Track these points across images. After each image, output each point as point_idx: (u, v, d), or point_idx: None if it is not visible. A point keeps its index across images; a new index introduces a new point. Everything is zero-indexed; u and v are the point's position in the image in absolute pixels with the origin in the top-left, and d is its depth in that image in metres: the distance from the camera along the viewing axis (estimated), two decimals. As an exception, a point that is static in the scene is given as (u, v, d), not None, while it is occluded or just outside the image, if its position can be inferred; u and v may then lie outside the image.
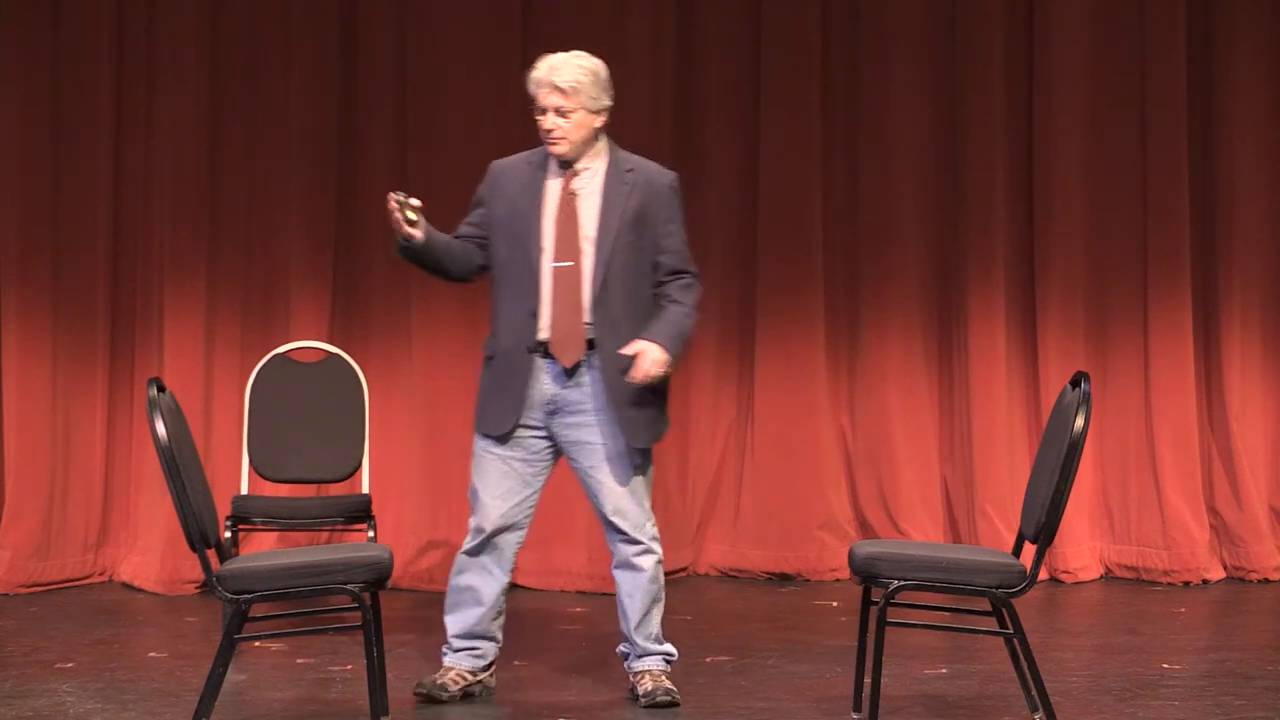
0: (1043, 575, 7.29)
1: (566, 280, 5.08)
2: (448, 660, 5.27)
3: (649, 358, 5.05)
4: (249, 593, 4.66)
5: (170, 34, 7.36)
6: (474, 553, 5.22)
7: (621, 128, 7.48)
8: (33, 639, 6.22)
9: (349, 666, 5.67)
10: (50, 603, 6.98)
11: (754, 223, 7.73)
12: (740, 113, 7.70)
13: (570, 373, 5.11)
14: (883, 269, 7.73)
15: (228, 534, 6.19)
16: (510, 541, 5.25)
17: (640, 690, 5.21)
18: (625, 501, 5.18)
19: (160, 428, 4.57)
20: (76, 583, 7.33)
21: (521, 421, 5.14)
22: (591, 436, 5.15)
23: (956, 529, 7.72)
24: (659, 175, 5.26)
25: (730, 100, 7.73)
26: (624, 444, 5.14)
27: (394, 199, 5.01)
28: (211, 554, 4.75)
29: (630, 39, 7.50)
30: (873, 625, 4.83)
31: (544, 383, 5.12)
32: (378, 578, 4.77)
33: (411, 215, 5.01)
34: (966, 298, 7.66)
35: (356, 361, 6.86)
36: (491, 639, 5.28)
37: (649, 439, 5.21)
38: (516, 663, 5.88)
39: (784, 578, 7.60)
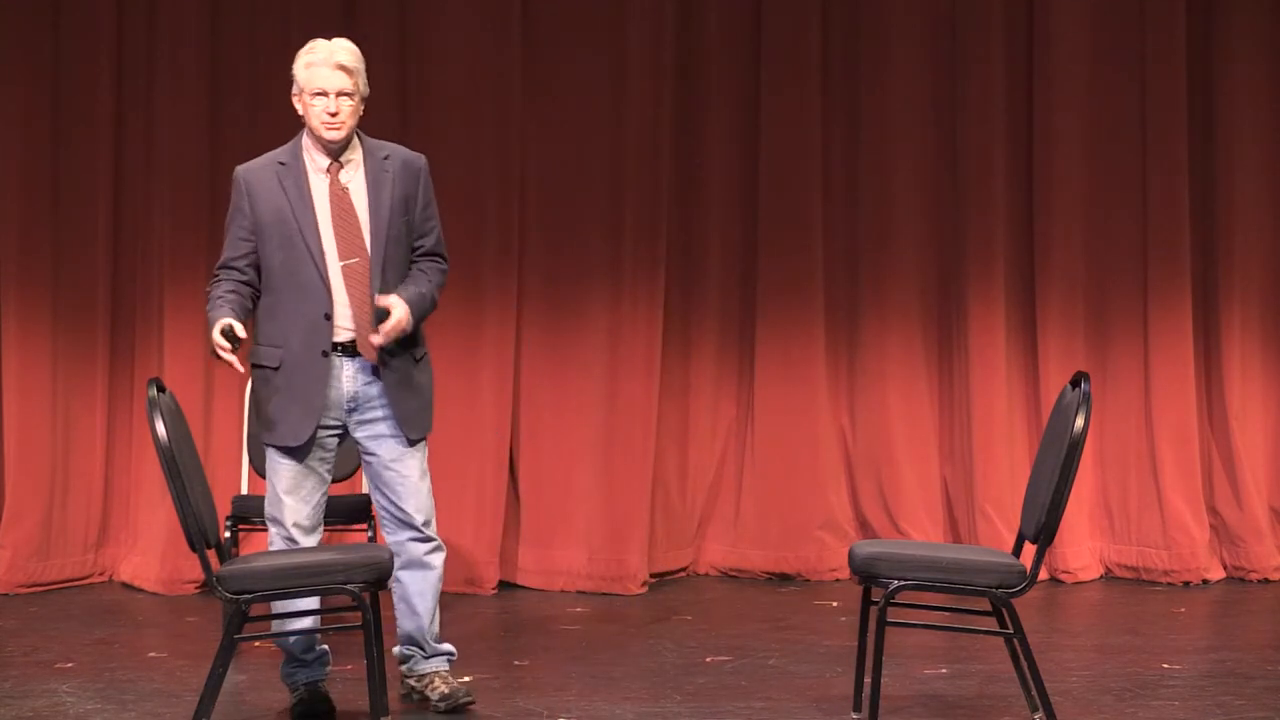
0: (1043, 575, 7.29)
1: (356, 277, 5.02)
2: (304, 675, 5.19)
3: (399, 318, 4.96)
4: (249, 593, 4.66)
5: (170, 34, 7.36)
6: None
7: (621, 127, 7.56)
8: (33, 639, 6.22)
9: (349, 666, 5.67)
10: (50, 603, 6.97)
11: (754, 222, 7.73)
12: (740, 113, 7.70)
13: (374, 368, 5.06)
14: (883, 269, 7.73)
15: (228, 534, 6.19)
16: (316, 542, 5.14)
17: (434, 694, 5.16)
18: (425, 498, 5.14)
19: (160, 428, 4.57)
20: (76, 583, 7.33)
21: (319, 424, 5.05)
22: (389, 430, 5.08)
23: (956, 529, 7.72)
24: (414, 160, 5.24)
25: (730, 100, 7.73)
26: (405, 437, 5.09)
27: (222, 352, 4.85)
28: (211, 554, 4.75)
29: (630, 39, 7.49)
30: (873, 625, 4.83)
31: (343, 382, 5.04)
32: (378, 578, 4.77)
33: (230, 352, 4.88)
34: (966, 297, 7.65)
35: (356, 361, 6.84)
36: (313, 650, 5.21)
37: (424, 430, 5.15)
38: (516, 663, 5.88)
39: (784, 578, 7.60)
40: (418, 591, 5.15)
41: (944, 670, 5.71)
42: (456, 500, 7.38)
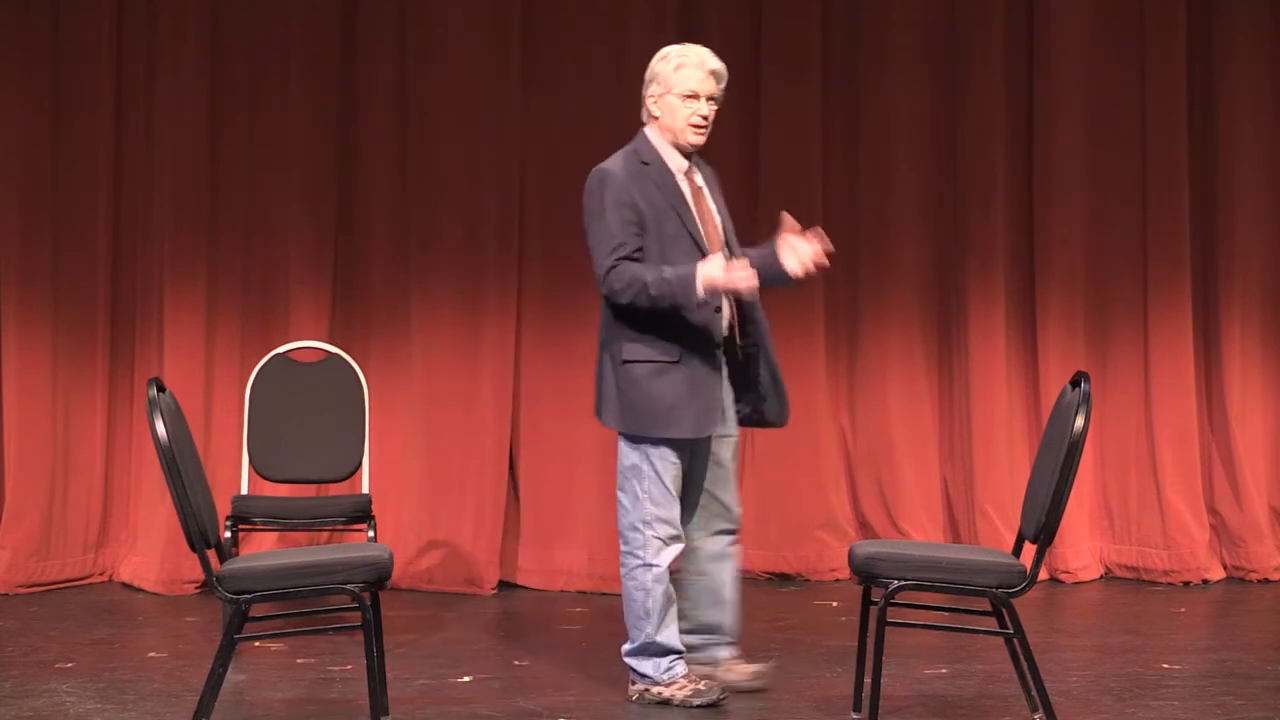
0: (1043, 575, 7.29)
1: None
2: (681, 669, 5.17)
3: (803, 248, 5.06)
4: (249, 593, 4.66)
5: (170, 33, 7.36)
6: (670, 557, 5.16)
7: (622, 127, 7.54)
8: (33, 639, 6.23)
9: (349, 666, 5.67)
10: (50, 603, 6.98)
11: (754, 222, 7.72)
12: (740, 112, 7.69)
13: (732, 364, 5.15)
14: (883, 269, 7.73)
15: (228, 534, 6.19)
16: (684, 538, 5.21)
17: (739, 675, 5.23)
18: (736, 492, 5.24)
19: (160, 428, 4.57)
20: (76, 583, 7.33)
21: None
22: (731, 429, 5.20)
23: (956, 529, 7.72)
24: (713, 170, 5.36)
25: (730, 100, 7.71)
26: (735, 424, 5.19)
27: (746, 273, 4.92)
28: (211, 554, 4.75)
29: (630, 38, 7.50)
30: (873, 625, 4.83)
31: (724, 380, 5.13)
32: (378, 578, 4.77)
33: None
34: (966, 298, 7.66)
35: (356, 361, 6.86)
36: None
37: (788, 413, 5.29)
38: (516, 663, 5.88)
39: (784, 578, 7.60)
40: (725, 582, 5.21)
41: (944, 670, 5.71)
42: (456, 500, 7.39)
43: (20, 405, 7.30)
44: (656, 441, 5.06)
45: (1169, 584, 7.52)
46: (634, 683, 5.22)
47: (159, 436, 4.57)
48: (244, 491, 6.62)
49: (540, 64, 7.56)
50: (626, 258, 5.01)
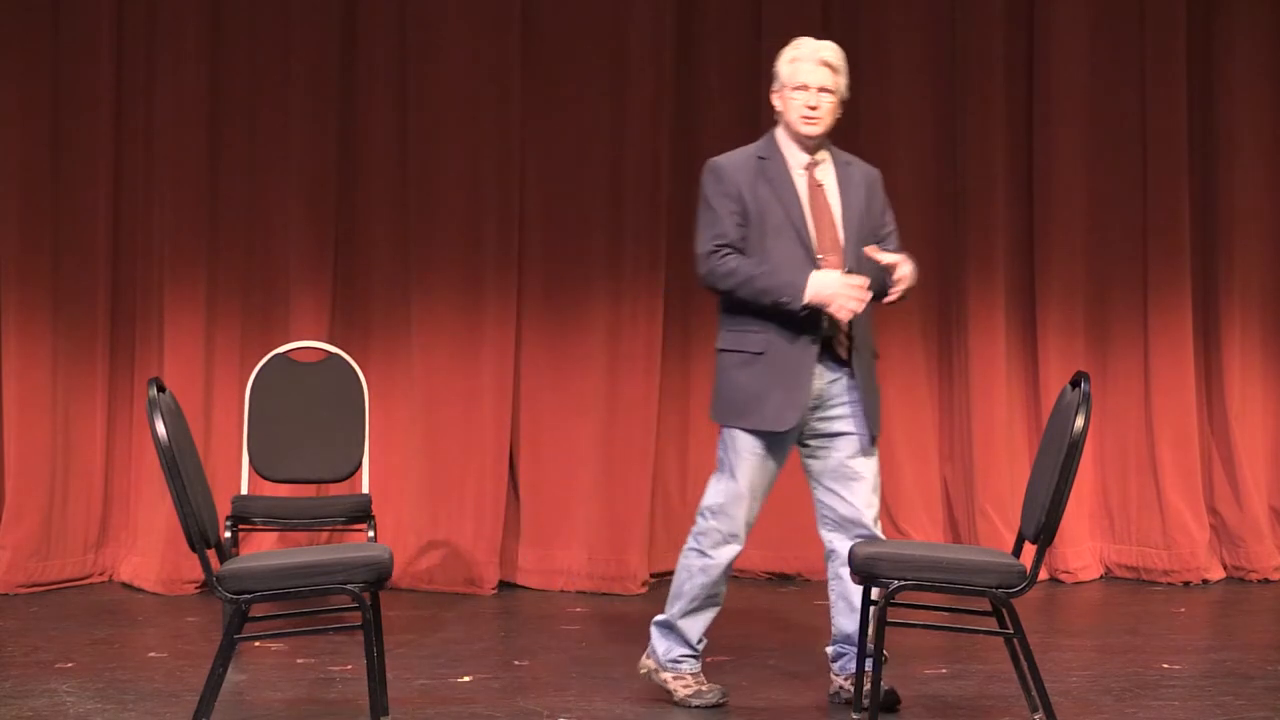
0: (1043, 575, 7.29)
1: None
2: (689, 667, 5.21)
3: (910, 270, 5.02)
4: (249, 593, 4.66)
5: (170, 33, 7.36)
6: (734, 558, 5.17)
7: (621, 127, 7.56)
8: (33, 639, 6.22)
9: (349, 666, 5.67)
10: (50, 603, 6.98)
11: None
12: (740, 112, 7.69)
13: (840, 365, 5.08)
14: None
15: (228, 534, 6.19)
16: (743, 542, 5.20)
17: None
18: (875, 497, 5.16)
19: (160, 428, 4.57)
20: (76, 583, 7.33)
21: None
22: (851, 427, 5.10)
23: (956, 529, 7.72)
24: (871, 170, 5.29)
25: (730, 100, 7.73)
26: (869, 434, 5.12)
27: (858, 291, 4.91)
28: (211, 554, 4.75)
29: (630, 39, 7.50)
30: (873, 625, 4.82)
31: (815, 378, 5.07)
32: (378, 578, 4.76)
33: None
34: (966, 298, 7.66)
35: (356, 361, 6.86)
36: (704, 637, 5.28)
37: (879, 428, 5.19)
38: (516, 663, 5.88)
39: (784, 578, 7.60)
40: (854, 591, 5.08)
41: (944, 670, 5.71)
42: (456, 500, 7.39)
43: (20, 405, 7.30)
44: (736, 431, 5.07)
45: (1169, 584, 7.52)
46: (648, 656, 5.26)
47: (159, 436, 4.57)
48: (244, 491, 6.62)
49: (540, 64, 7.55)
50: (728, 245, 5.03)
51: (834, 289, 4.90)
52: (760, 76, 7.72)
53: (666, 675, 5.20)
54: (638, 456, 7.42)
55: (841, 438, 5.11)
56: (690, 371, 7.70)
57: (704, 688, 5.17)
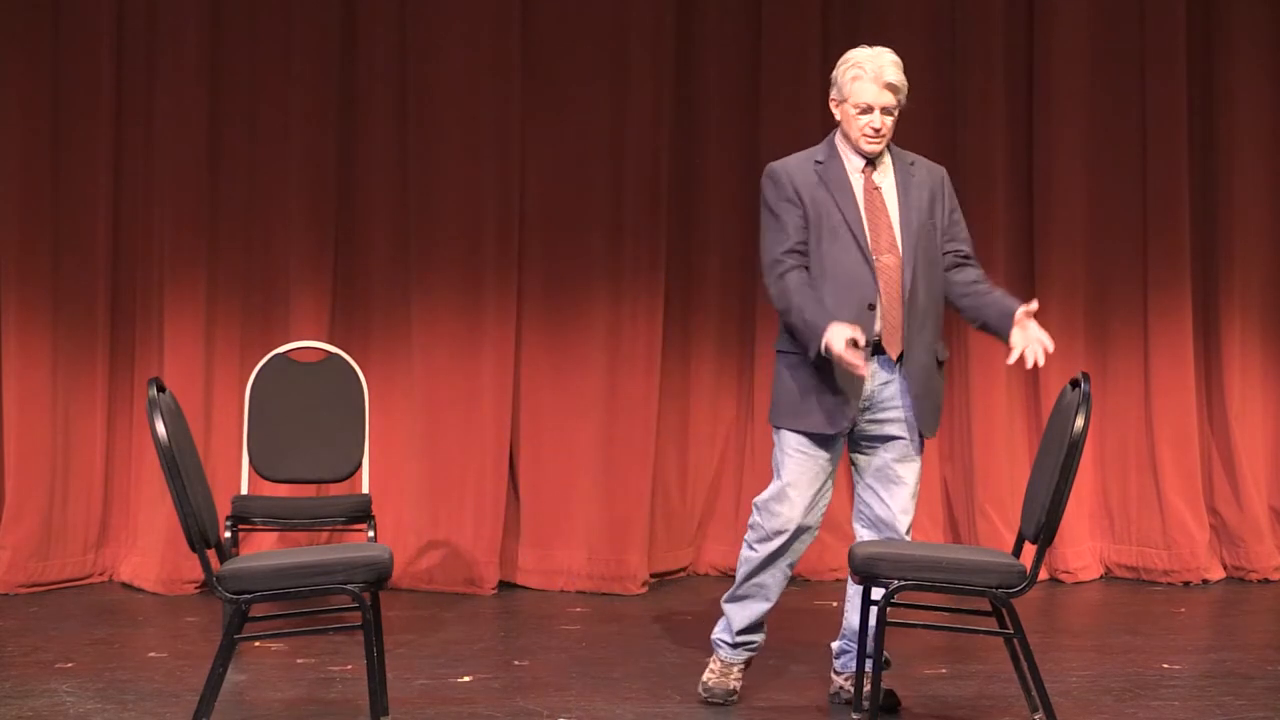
0: (1043, 575, 7.29)
1: (888, 274, 5.06)
2: (728, 655, 5.27)
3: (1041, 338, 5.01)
4: (249, 593, 4.66)
5: (170, 33, 7.36)
6: (777, 554, 5.18)
7: (621, 127, 7.56)
8: (33, 639, 6.22)
9: (349, 666, 5.67)
10: (50, 603, 6.98)
11: (753, 222, 7.70)
12: (740, 113, 7.70)
13: (892, 367, 5.09)
14: (882, 269, 7.72)
15: (228, 534, 6.19)
16: (807, 540, 5.21)
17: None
18: (913, 503, 5.19)
19: (160, 428, 4.57)
20: (76, 583, 7.33)
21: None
22: (899, 431, 5.13)
23: (956, 529, 7.72)
24: (936, 168, 5.30)
25: (730, 100, 7.73)
26: (919, 438, 5.15)
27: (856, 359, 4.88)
28: (211, 554, 4.75)
29: (630, 39, 7.49)
30: (873, 625, 4.82)
31: (867, 380, 5.07)
32: (378, 578, 4.76)
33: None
34: (966, 298, 7.64)
35: (356, 361, 6.86)
36: (763, 631, 5.30)
37: (935, 430, 5.21)
38: (516, 663, 5.88)
39: (784, 578, 7.59)
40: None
41: (944, 670, 5.71)
42: (456, 500, 7.39)
43: (20, 405, 7.30)
44: (787, 431, 5.11)
45: (1169, 584, 7.52)
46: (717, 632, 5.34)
47: (159, 436, 4.57)
48: (244, 491, 6.62)
49: (540, 64, 7.55)
50: (791, 252, 5.06)
51: (837, 352, 4.88)
52: (762, 76, 7.74)
53: (713, 657, 5.31)
54: (638, 456, 7.42)
55: (890, 441, 5.14)
56: (690, 371, 7.70)
57: (717, 681, 5.23)
